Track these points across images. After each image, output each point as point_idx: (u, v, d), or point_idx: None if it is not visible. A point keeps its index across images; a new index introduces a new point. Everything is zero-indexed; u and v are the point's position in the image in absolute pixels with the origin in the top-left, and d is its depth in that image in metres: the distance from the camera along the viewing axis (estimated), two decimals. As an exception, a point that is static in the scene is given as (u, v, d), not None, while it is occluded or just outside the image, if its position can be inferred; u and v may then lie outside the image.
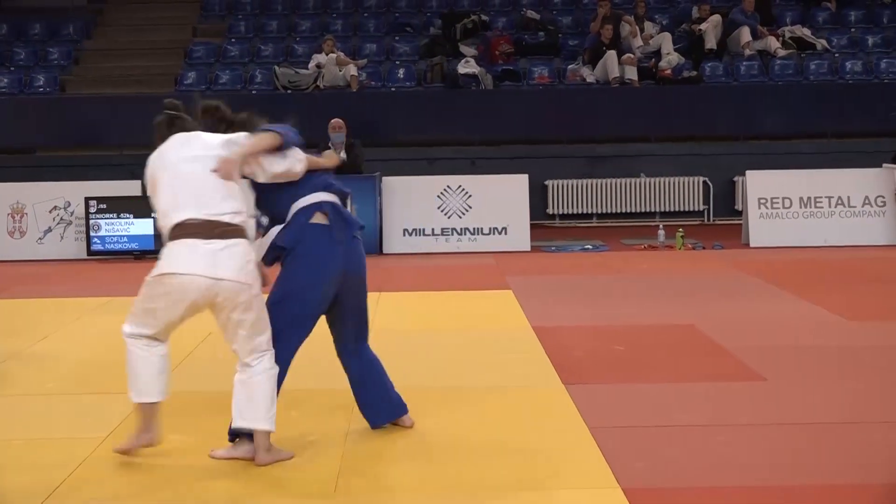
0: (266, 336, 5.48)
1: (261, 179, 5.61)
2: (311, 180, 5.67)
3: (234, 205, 5.40)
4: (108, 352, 8.37)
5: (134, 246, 14.22)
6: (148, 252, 14.15)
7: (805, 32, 19.46)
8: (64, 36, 20.79)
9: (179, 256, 5.36)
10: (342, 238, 5.60)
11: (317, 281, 5.58)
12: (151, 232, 14.05)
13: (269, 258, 5.64)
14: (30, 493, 5.14)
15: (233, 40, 20.13)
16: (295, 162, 5.61)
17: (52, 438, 6.11)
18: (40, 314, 10.32)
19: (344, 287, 5.71)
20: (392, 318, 9.73)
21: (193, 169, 5.45)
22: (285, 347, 5.57)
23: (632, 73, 18.27)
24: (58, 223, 14.68)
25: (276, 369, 5.51)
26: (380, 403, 6.00)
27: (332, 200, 5.68)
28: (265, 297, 5.56)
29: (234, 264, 5.32)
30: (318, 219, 5.60)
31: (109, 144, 18.09)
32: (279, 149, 5.56)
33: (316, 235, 5.56)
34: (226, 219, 5.35)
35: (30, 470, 5.52)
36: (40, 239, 14.69)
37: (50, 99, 18.94)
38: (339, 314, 5.83)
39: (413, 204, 14.63)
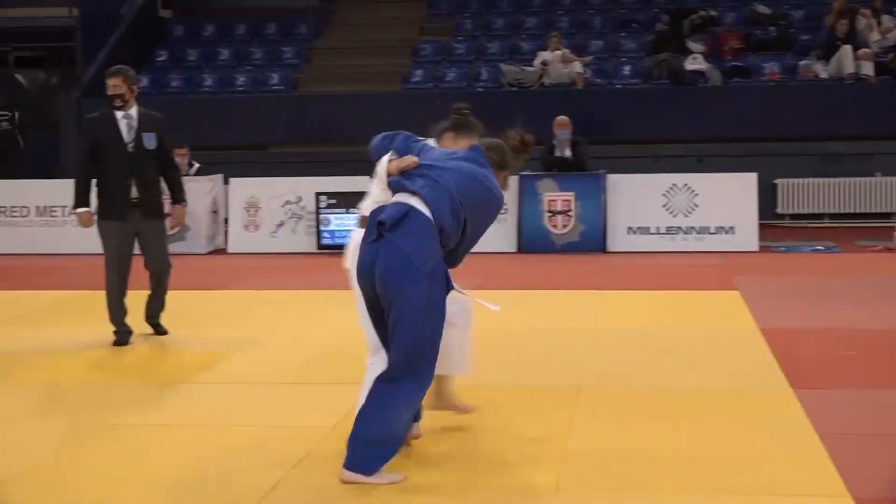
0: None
1: None
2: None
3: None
4: (337, 343, 8.61)
5: (361, 240, 14.47)
6: (375, 247, 14.42)
7: None
8: (297, 35, 21.44)
9: None
10: (368, 238, 5.30)
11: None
12: (378, 227, 14.33)
13: None
14: (260, 478, 5.32)
15: (459, 38, 20.37)
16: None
17: (283, 426, 6.31)
18: (273, 305, 10.66)
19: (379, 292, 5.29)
20: (616, 318, 9.70)
21: None
22: None
23: (868, 69, 17.66)
24: (289, 217, 15.12)
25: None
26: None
27: (395, 201, 5.33)
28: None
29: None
30: None
31: (339, 141, 18.55)
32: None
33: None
34: None
35: (261, 456, 5.72)
36: (273, 233, 15.16)
37: (283, 97, 19.56)
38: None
39: (638, 202, 14.50)
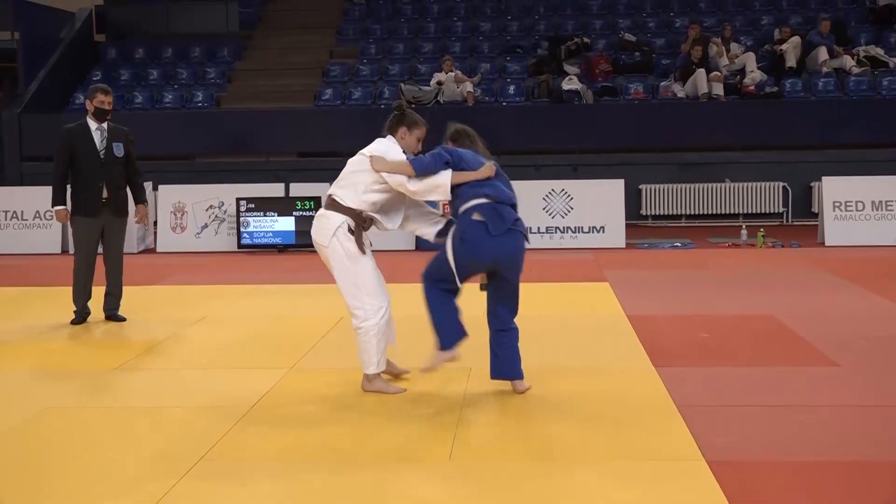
0: (351, 301, 6.33)
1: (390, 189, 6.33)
2: (471, 190, 6.22)
3: (344, 190, 6.34)
4: (256, 332, 8.54)
5: (278, 240, 14.41)
6: (290, 246, 14.36)
7: (878, 52, 18.93)
8: (219, 58, 21.19)
9: None
10: (497, 231, 6.15)
11: (462, 261, 6.17)
12: (293, 228, 14.27)
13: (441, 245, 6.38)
14: (188, 454, 5.25)
15: (364, 61, 20.30)
16: (432, 186, 6.18)
17: (207, 407, 6.23)
18: (198, 299, 10.53)
19: (499, 269, 6.27)
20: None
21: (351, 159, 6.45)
22: (426, 291, 6.36)
23: (718, 90, 17.99)
24: (213, 220, 14.95)
25: (362, 329, 6.33)
26: (503, 363, 6.39)
27: (487, 202, 6.19)
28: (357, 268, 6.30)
29: (317, 228, 6.39)
30: (476, 216, 6.16)
31: (258, 152, 18.40)
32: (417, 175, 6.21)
33: (474, 229, 6.14)
34: (333, 196, 6.36)
35: (188, 434, 5.65)
36: (198, 234, 14.98)
37: (207, 113, 19.31)
38: (495, 288, 6.39)
39: (521, 206, 14.50)
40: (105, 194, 8.94)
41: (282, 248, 14.38)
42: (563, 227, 14.54)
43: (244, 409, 6.06)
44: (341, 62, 20.35)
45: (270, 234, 14.43)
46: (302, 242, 14.24)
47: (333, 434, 5.60)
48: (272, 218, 14.43)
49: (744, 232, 14.50)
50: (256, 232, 14.46)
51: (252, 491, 4.77)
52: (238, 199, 14.53)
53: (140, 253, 14.78)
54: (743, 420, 5.76)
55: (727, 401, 6.20)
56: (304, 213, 14.24)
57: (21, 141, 18.41)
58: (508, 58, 20.07)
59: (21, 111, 18.70)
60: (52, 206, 9.10)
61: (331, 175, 17.47)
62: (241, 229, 14.49)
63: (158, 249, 14.99)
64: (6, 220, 15.13)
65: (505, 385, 6.55)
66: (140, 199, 9.29)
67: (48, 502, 4.69)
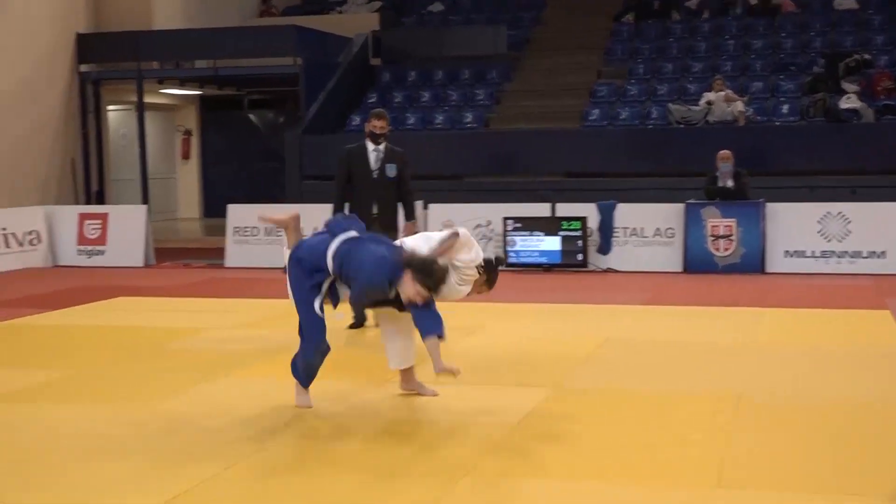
0: None
1: None
2: None
3: None
4: (522, 349, 8.61)
5: (543, 260, 14.51)
6: (555, 265, 14.43)
7: None
8: (488, 79, 21.58)
9: None
10: None
11: None
12: (559, 248, 14.34)
13: None
14: (450, 467, 5.35)
15: (632, 81, 20.17)
16: None
17: (471, 423, 6.33)
18: (464, 315, 10.70)
19: None
20: (774, 333, 9.45)
21: None
22: None
23: None
24: (480, 239, 15.20)
25: None
26: None
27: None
28: None
29: None
30: None
31: (525, 172, 18.59)
32: None
33: None
34: None
35: (452, 450, 5.75)
36: (467, 251, 15.25)
37: (476, 133, 19.68)
38: None
39: (795, 228, 14.11)
40: (375, 211, 9.43)
41: (548, 268, 14.47)
42: (840, 252, 13.94)
43: (509, 427, 6.12)
44: (609, 82, 20.29)
45: (536, 254, 14.55)
46: (567, 262, 14.29)
47: (597, 447, 5.57)
48: (538, 237, 14.55)
49: None
50: (523, 251, 14.61)
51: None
52: (505, 219, 14.73)
53: (410, 269, 15.19)
54: None
55: None
56: (570, 233, 14.29)
57: (301, 160, 19.36)
58: (782, 76, 19.46)
59: (302, 132, 19.67)
60: None
61: (597, 195, 17.40)
62: (508, 248, 14.67)
63: (428, 266, 15.35)
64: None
65: (773, 414, 6.36)
66: (409, 216, 9.73)
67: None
